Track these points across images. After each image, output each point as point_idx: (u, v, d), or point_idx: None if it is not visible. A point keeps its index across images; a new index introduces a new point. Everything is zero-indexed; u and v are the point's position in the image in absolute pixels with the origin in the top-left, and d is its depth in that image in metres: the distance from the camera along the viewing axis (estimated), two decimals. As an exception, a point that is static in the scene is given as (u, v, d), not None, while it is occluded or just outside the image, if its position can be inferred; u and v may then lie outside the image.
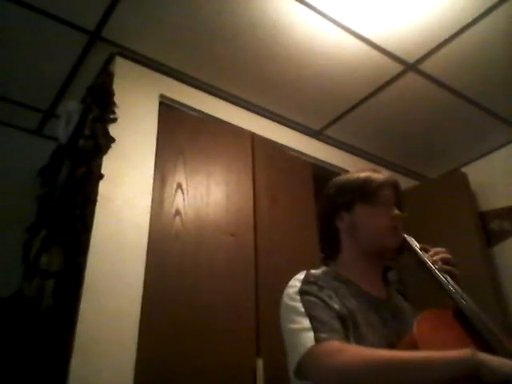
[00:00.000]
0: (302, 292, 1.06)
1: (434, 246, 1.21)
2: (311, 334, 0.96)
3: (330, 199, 1.27)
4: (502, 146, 3.01)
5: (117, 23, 2.12)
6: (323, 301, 1.04)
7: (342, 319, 1.02)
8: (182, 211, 2.06)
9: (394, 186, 1.25)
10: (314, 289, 1.07)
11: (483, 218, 2.90)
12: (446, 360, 0.84)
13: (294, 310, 1.04)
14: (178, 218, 2.04)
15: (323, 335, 0.95)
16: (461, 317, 1.02)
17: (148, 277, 1.86)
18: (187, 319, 1.86)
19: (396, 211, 1.21)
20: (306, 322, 0.99)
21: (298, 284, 1.09)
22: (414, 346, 0.91)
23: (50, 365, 1.65)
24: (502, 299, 2.64)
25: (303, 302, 1.04)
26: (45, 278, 1.84)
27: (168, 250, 1.96)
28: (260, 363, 1.89)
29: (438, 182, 3.01)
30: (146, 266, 1.88)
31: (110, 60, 2.26)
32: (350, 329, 1.03)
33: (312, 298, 1.04)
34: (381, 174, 1.26)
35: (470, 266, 2.53)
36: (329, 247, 1.28)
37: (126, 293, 1.80)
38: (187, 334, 1.83)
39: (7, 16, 2.05)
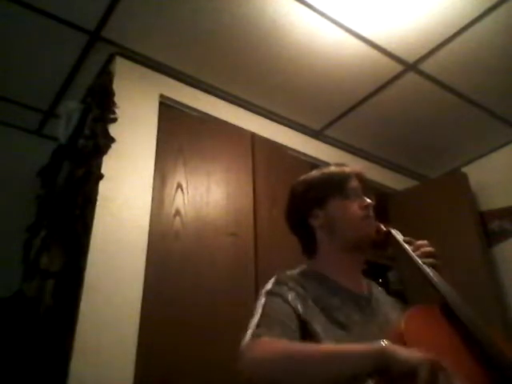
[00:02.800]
0: (269, 292, 1.08)
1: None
2: (250, 331, 0.98)
3: (300, 198, 1.28)
4: (502, 146, 3.01)
5: (117, 23, 2.12)
6: (286, 301, 1.04)
7: (303, 322, 1.02)
8: (182, 211, 2.06)
9: (359, 176, 1.27)
10: (282, 289, 1.08)
11: (483, 217, 2.90)
12: (354, 352, 0.84)
13: (256, 309, 1.05)
14: (177, 218, 2.04)
15: (259, 331, 0.97)
16: (446, 311, 1.03)
17: (148, 277, 1.86)
18: (187, 319, 1.86)
19: (367, 200, 1.23)
20: (256, 320, 1.01)
21: (270, 285, 1.11)
22: (401, 342, 0.91)
23: (50, 365, 1.65)
24: (501, 299, 2.64)
25: (266, 301, 1.05)
26: (45, 278, 1.84)
27: (168, 250, 1.96)
28: (260, 363, 1.88)
29: (438, 182, 3.01)
30: (146, 266, 1.88)
31: (110, 60, 2.25)
32: (316, 332, 1.02)
33: (275, 299, 1.05)
34: (344, 168, 1.29)
35: (470, 265, 2.54)
36: (305, 246, 1.27)
37: (126, 293, 1.80)
38: (187, 334, 1.83)
39: (7, 16, 2.06)
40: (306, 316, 1.04)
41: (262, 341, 0.94)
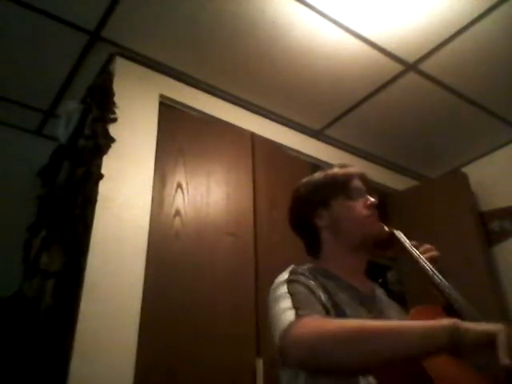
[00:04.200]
0: (289, 281, 1.07)
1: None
2: (293, 312, 0.95)
3: (304, 200, 1.29)
4: (502, 145, 3.01)
5: (117, 23, 2.12)
6: (309, 288, 1.04)
7: (326, 310, 1.02)
8: (182, 211, 2.06)
9: (362, 177, 1.29)
10: (301, 278, 1.07)
11: (483, 218, 2.90)
12: (427, 327, 0.81)
13: (280, 296, 1.03)
14: (177, 218, 2.04)
15: (304, 311, 0.94)
16: (450, 312, 1.03)
17: (148, 277, 1.86)
18: (187, 319, 1.86)
19: (370, 199, 1.24)
20: (289, 303, 0.98)
21: (286, 275, 1.10)
22: None
23: (50, 365, 1.65)
24: (502, 299, 2.64)
25: (289, 288, 1.04)
26: (45, 278, 1.85)
27: (168, 250, 1.96)
28: (260, 363, 1.88)
29: (438, 182, 3.01)
30: (146, 266, 1.88)
31: (110, 60, 2.25)
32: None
33: (298, 285, 1.04)
34: (347, 168, 1.31)
35: (470, 266, 2.54)
36: (309, 247, 1.28)
37: (126, 293, 1.80)
38: (187, 334, 1.84)
39: (7, 16, 2.06)
40: (328, 305, 1.03)
41: (313, 317, 0.92)
